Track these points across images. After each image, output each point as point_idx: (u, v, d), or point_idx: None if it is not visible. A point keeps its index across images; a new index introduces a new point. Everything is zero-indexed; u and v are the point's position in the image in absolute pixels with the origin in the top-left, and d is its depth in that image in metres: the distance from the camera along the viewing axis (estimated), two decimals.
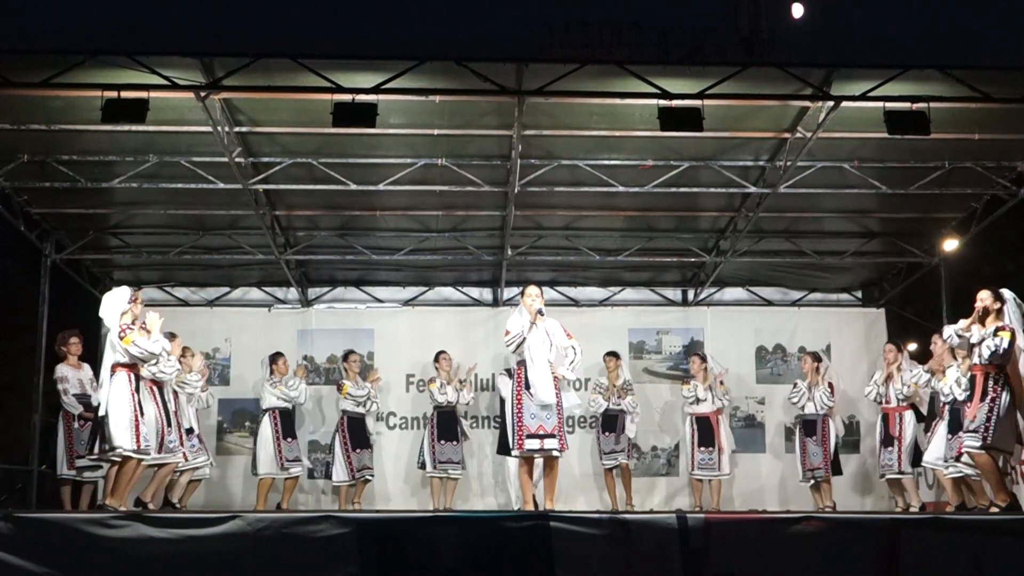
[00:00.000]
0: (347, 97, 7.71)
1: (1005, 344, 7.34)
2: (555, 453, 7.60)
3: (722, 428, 10.78)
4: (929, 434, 9.48)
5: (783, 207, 10.36)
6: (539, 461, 8.09)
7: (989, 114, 8.34)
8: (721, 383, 10.84)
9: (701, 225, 11.19)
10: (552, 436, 7.51)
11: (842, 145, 9.21)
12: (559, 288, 12.08)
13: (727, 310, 12.34)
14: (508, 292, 12.09)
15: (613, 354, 11.06)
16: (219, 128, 8.43)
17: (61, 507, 9.21)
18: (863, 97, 7.99)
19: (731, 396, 11.08)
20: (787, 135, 9.05)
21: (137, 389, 7.38)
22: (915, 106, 7.85)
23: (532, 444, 7.53)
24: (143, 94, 7.60)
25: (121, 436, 7.21)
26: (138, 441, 7.28)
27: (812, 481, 10.43)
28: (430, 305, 12.26)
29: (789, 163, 9.18)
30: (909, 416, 9.96)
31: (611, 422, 10.76)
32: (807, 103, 8.38)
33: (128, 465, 7.34)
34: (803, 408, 10.48)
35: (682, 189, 9.78)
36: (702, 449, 10.67)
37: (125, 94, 7.58)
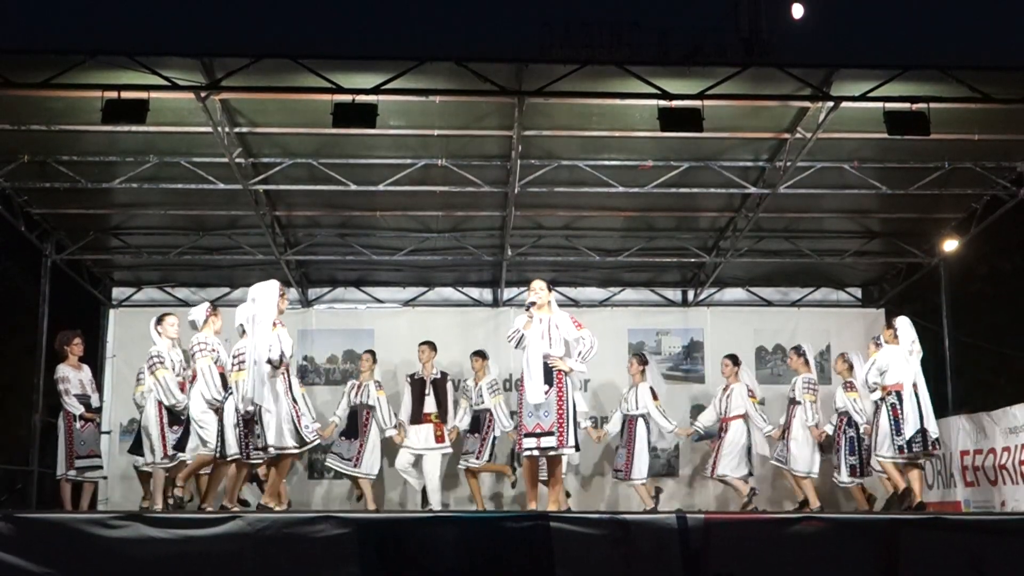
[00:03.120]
0: (347, 97, 7.72)
1: (879, 364, 8.63)
2: (551, 452, 7.48)
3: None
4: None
5: (783, 207, 10.36)
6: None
7: (989, 114, 8.35)
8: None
9: (701, 225, 11.20)
10: (550, 433, 7.38)
11: (842, 145, 9.21)
12: (559, 288, 12.00)
13: (727, 310, 12.35)
14: (508, 292, 12.10)
15: (478, 353, 10.67)
16: (219, 129, 8.43)
17: (61, 507, 9.22)
18: (863, 97, 7.99)
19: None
20: (787, 135, 9.05)
21: (290, 386, 7.48)
22: (915, 106, 7.86)
23: (529, 443, 7.45)
24: (143, 95, 7.61)
25: (281, 434, 7.30)
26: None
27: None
28: (430, 305, 12.27)
29: (789, 163, 9.18)
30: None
31: (475, 423, 10.49)
32: (807, 103, 8.39)
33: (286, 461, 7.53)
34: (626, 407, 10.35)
35: (682, 189, 9.79)
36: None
37: (125, 94, 7.60)
